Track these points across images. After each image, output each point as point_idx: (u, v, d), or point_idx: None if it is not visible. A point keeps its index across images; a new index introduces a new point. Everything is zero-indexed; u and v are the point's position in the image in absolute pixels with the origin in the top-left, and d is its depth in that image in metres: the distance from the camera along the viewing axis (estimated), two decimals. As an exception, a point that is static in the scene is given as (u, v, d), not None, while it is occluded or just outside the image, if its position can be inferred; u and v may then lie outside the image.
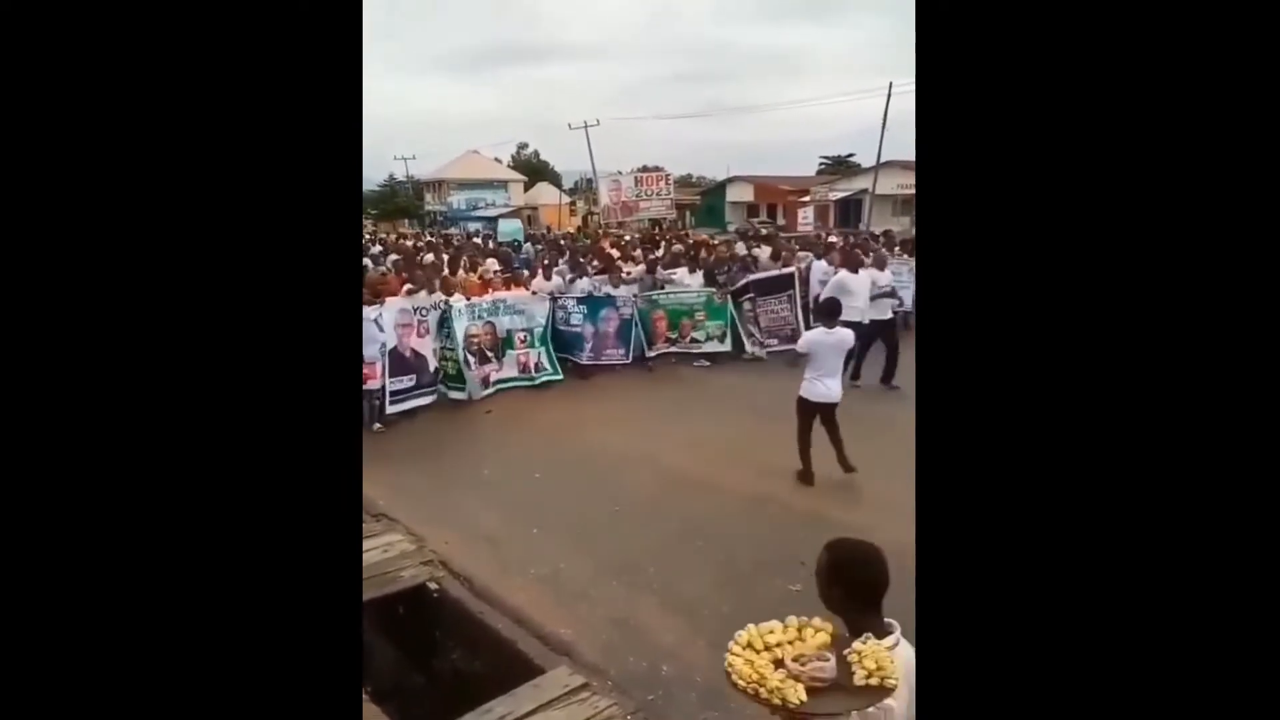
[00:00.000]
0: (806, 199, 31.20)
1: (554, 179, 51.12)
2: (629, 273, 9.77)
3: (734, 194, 40.69)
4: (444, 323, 7.75)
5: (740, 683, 1.46)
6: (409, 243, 19.60)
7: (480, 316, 8.22)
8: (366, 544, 4.63)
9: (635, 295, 9.05)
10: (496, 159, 54.50)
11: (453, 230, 31.14)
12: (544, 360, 8.66)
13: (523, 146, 59.66)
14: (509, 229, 23.44)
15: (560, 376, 8.57)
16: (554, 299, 8.80)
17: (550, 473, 5.88)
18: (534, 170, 54.35)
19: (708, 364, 9.09)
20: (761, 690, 1.43)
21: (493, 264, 11.01)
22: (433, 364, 7.62)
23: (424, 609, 4.33)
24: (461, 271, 9.82)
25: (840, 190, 36.54)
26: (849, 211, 34.33)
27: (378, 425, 7.07)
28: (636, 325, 8.99)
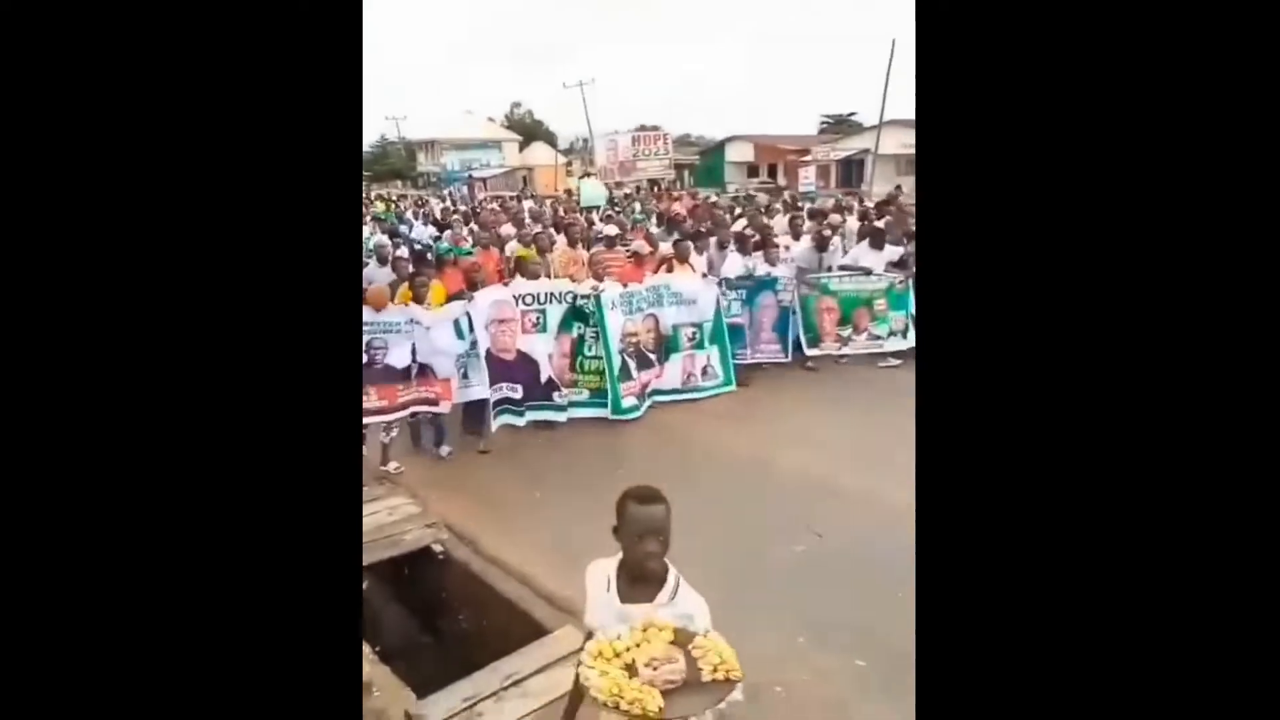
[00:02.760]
0: (808, 159, 30.66)
1: (549, 139, 50.28)
2: (787, 248, 7.50)
3: (733, 154, 40.01)
4: (577, 317, 5.88)
5: (599, 696, 1.45)
6: (464, 207, 16.54)
7: (639, 308, 6.15)
8: (371, 507, 4.55)
9: (795, 279, 7.11)
10: (490, 118, 53.53)
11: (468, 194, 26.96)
12: (714, 364, 6.61)
13: (516, 105, 58.65)
14: (593, 194, 18.94)
15: (733, 386, 6.65)
16: (721, 284, 6.76)
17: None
18: (528, 130, 53.41)
19: (897, 363, 7.14)
20: (621, 702, 1.42)
21: (611, 229, 8.57)
22: (545, 371, 5.82)
23: (429, 571, 4.29)
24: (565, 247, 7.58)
25: (842, 150, 35.96)
26: (851, 171, 33.84)
27: (482, 446, 5.59)
28: (795, 315, 7.05)
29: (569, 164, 40.17)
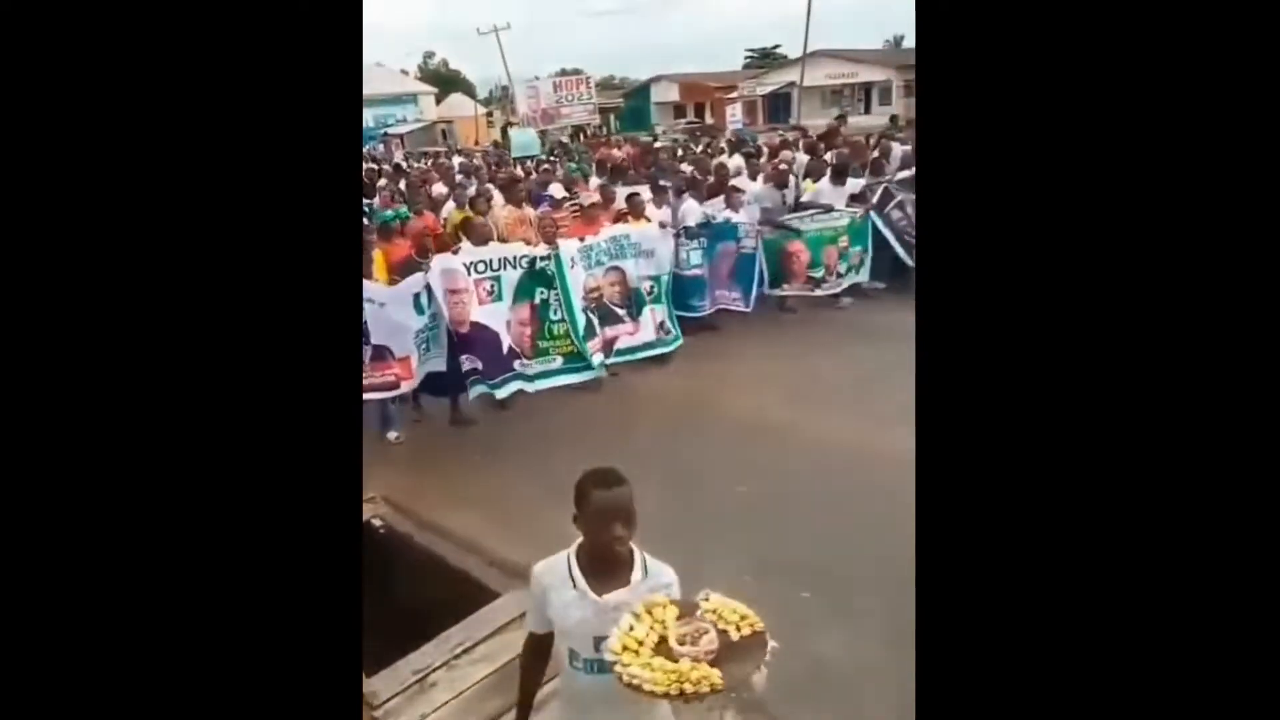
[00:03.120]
0: (734, 95, 30.12)
1: (467, 89, 48.22)
2: (743, 191, 7.04)
3: (659, 94, 39.27)
4: (538, 281, 5.31)
5: (658, 689, 1.36)
6: (387, 167, 14.73)
7: (599, 262, 5.69)
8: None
9: (759, 223, 6.68)
10: (403, 70, 50.90)
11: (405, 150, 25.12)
12: (667, 320, 6.13)
13: (429, 55, 55.94)
14: (524, 142, 17.55)
15: (680, 340, 6.18)
16: (679, 234, 6.26)
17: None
18: (445, 81, 50.99)
19: (851, 301, 6.96)
20: (687, 686, 1.35)
21: (557, 190, 7.79)
22: (505, 341, 5.22)
23: (370, 547, 4.18)
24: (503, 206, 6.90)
25: (768, 84, 35.52)
26: (778, 106, 33.52)
27: (453, 418, 5.23)
28: (760, 261, 6.64)
29: (490, 114, 38.72)
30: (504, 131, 28.24)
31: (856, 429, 4.49)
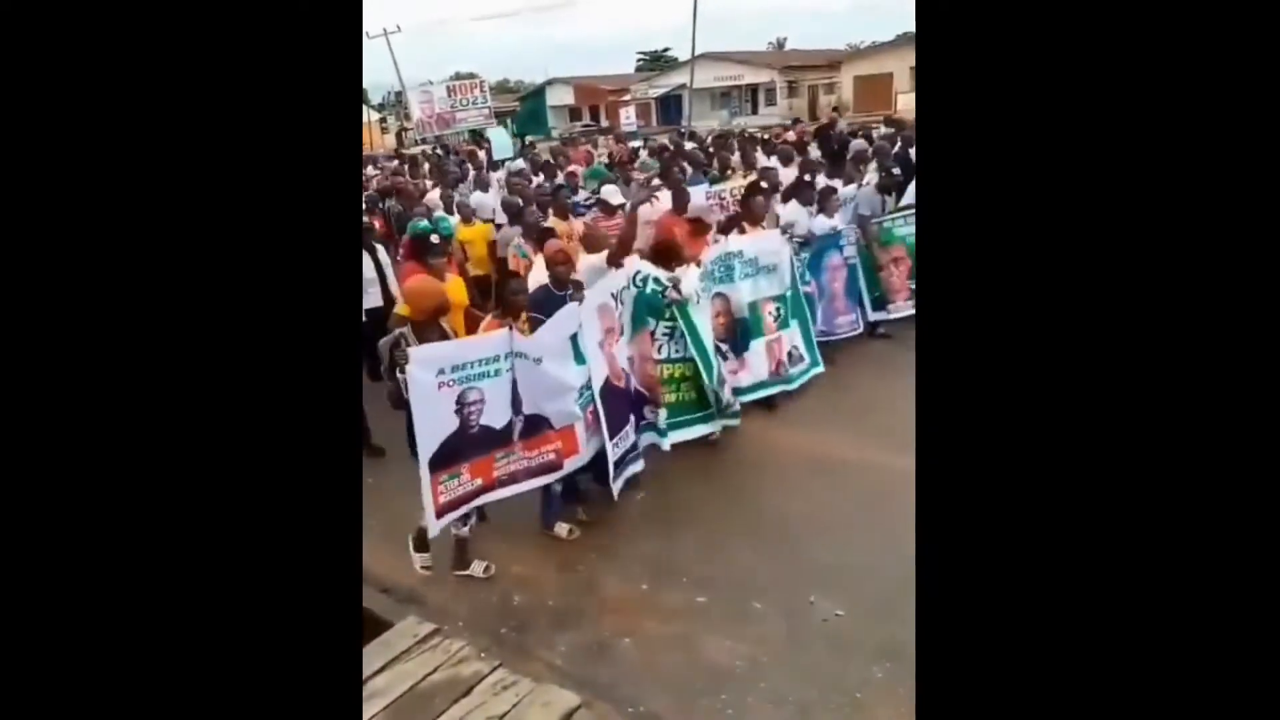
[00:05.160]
0: (627, 98, 30.95)
1: (358, 94, 46.78)
2: (835, 193, 5.80)
3: (554, 97, 39.48)
4: (650, 311, 4.14)
5: None
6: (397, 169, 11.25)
7: (705, 289, 4.39)
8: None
9: (858, 229, 5.70)
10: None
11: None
12: (799, 345, 5.06)
13: (316, 59, 53.86)
14: (504, 143, 15.41)
15: (821, 368, 5.18)
16: (799, 243, 5.14)
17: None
18: (334, 86, 49.28)
19: None
20: None
21: (613, 195, 5.72)
22: (632, 383, 4.13)
23: None
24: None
25: (659, 86, 36.49)
26: (670, 108, 34.50)
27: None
28: (859, 275, 5.74)
29: (384, 120, 37.95)
30: (399, 137, 27.84)
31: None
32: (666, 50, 47.90)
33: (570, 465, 3.66)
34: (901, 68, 28.64)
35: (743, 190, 5.52)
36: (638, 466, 4.05)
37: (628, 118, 24.11)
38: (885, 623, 2.85)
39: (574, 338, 3.56)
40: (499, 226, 6.34)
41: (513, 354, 3.35)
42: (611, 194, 5.69)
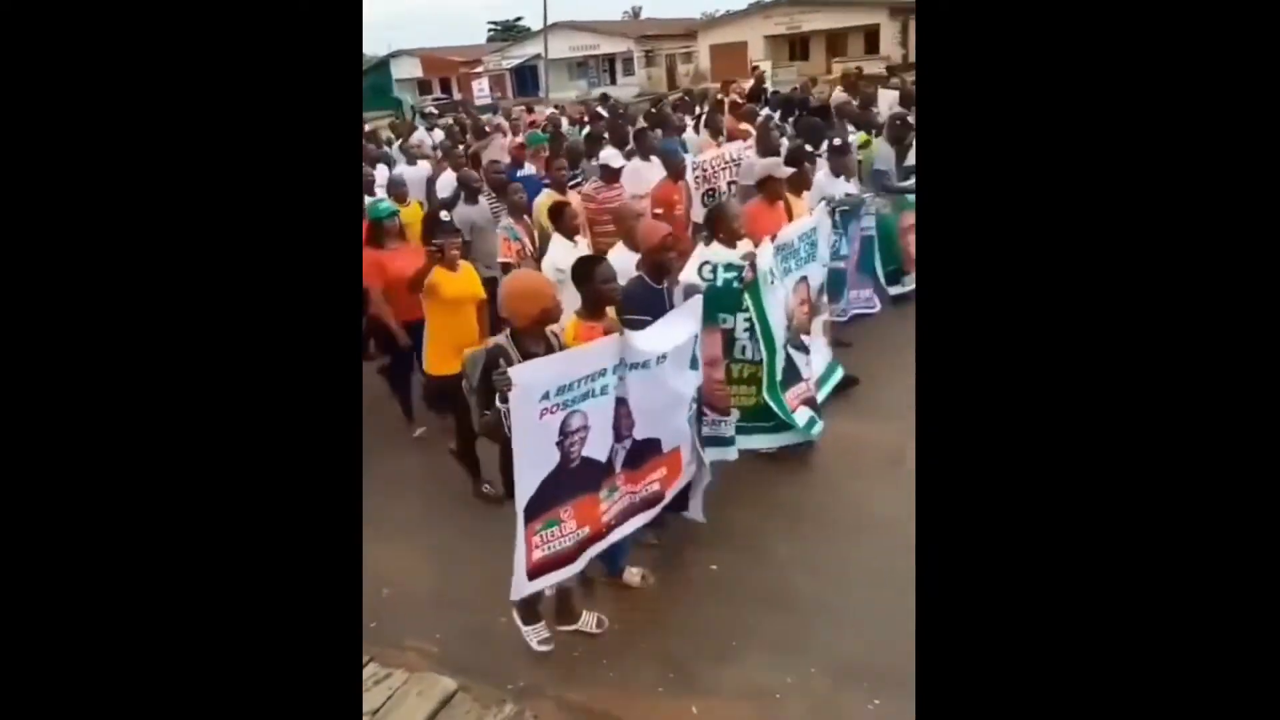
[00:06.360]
0: (480, 70, 29.33)
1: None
2: (848, 151, 4.94)
3: (400, 70, 37.09)
4: (719, 304, 3.26)
5: None
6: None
7: (786, 271, 3.55)
8: None
9: (874, 194, 4.88)
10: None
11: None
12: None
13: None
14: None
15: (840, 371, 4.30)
16: (835, 214, 4.21)
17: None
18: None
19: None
20: None
21: (613, 157, 5.08)
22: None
23: None
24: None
25: (513, 58, 35.02)
26: (525, 79, 33.23)
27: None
28: (875, 247, 4.91)
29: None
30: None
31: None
32: (519, 20, 46.25)
33: (671, 494, 2.95)
34: (755, 36, 28.92)
35: (752, 156, 5.01)
36: (730, 454, 3.41)
37: (481, 89, 22.79)
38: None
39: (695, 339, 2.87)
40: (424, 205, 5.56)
41: (624, 365, 2.54)
42: (612, 158, 4.99)
